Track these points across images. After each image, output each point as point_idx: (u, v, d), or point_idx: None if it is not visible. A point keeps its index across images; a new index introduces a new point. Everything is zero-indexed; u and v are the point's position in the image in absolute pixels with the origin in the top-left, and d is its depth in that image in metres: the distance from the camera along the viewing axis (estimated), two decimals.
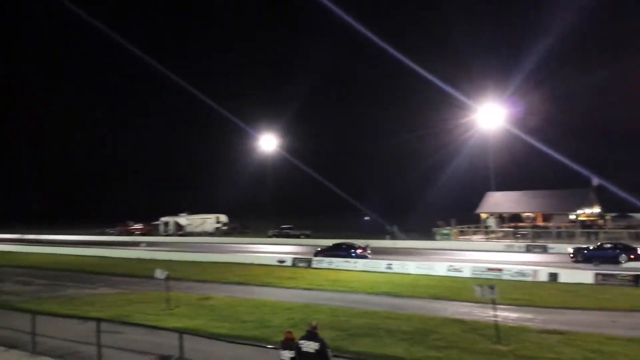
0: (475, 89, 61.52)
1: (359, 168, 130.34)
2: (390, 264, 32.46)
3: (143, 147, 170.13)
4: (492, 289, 16.66)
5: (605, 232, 45.26)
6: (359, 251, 37.59)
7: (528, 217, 53.23)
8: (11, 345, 16.39)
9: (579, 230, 45.88)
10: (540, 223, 51.58)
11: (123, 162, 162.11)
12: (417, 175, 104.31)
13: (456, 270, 30.03)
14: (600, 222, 50.47)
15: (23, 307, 21.94)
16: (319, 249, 40.04)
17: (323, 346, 10.32)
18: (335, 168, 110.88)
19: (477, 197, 55.60)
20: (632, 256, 31.82)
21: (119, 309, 22.44)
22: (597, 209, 52.73)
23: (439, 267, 30.85)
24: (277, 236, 61.58)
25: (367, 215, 72.27)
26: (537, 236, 46.45)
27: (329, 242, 51.62)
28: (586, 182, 51.91)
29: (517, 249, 42.15)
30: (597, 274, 26.56)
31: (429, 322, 18.65)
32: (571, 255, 34.27)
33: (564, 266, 30.13)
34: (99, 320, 15.05)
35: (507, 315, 19.40)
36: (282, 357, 10.62)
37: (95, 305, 23.74)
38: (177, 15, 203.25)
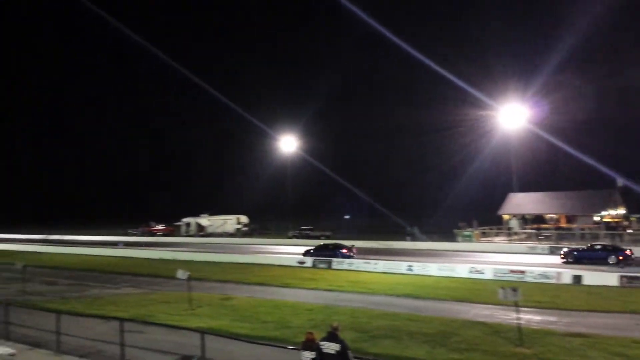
0: (497, 89, 60.94)
1: (379, 168, 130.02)
2: (411, 266, 32.27)
3: (165, 149, 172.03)
4: (515, 291, 16.47)
5: (630, 234, 44.44)
6: (344, 251, 39.21)
7: (551, 219, 52.51)
8: (36, 344, 16.67)
9: (603, 232, 45.11)
10: (563, 224, 50.84)
11: (146, 163, 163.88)
12: (438, 176, 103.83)
13: (478, 272, 29.74)
14: (625, 223, 49.58)
15: (48, 306, 22.29)
16: (309, 249, 41.47)
17: (344, 347, 10.30)
18: (355, 169, 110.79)
19: (499, 198, 55.04)
20: (620, 257, 32.47)
21: (141, 309, 22.67)
22: (621, 210, 51.81)
23: (460, 269, 30.60)
24: (297, 237, 61.67)
25: (347, 215, 74.49)
26: (560, 238, 45.81)
27: (349, 243, 51.85)
28: (611, 182, 51.11)
29: (540, 251, 41.64)
30: (622, 277, 26.09)
31: (450, 325, 18.50)
32: (562, 256, 34.89)
33: (588, 268, 29.68)
34: (122, 319, 15.23)
35: (530, 317, 19.15)
36: (303, 358, 10.62)
37: (118, 305, 24.02)
38: (198, 16, 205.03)
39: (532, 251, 41.86)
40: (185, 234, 73.99)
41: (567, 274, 27.39)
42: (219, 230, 72.98)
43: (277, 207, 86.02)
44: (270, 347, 14.12)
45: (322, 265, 35.74)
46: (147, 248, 53.59)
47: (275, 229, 73.75)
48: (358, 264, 34.52)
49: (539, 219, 53.19)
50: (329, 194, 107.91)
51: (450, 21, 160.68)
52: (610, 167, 51.22)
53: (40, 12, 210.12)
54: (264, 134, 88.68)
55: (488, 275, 29.10)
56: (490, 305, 21.53)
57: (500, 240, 49.45)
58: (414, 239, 52.70)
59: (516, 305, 16.71)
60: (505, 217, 53.07)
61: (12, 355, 15.14)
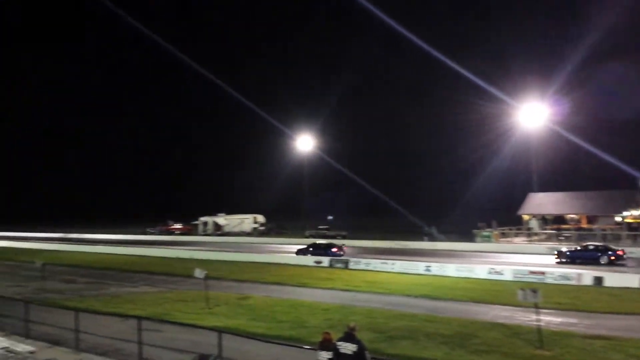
0: (517, 87, 60.44)
1: (396, 168, 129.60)
2: (429, 266, 32.03)
3: (184, 148, 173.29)
4: (535, 292, 16.22)
5: None
6: (334, 250, 41.05)
7: (572, 219, 51.83)
8: (55, 341, 16.80)
9: (625, 233, 44.42)
10: (584, 225, 50.16)
11: (165, 163, 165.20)
12: (456, 176, 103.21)
13: (497, 273, 29.41)
14: None
15: (67, 304, 22.49)
16: (301, 247, 43.33)
17: (361, 348, 10.20)
18: (372, 168, 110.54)
19: (519, 198, 54.48)
20: (612, 257, 33.35)
21: (159, 307, 22.77)
22: None
23: (479, 270, 30.29)
24: (313, 237, 61.59)
25: (330, 216, 76.48)
26: (581, 239, 45.12)
27: (366, 243, 51.84)
28: (633, 182, 50.23)
29: None
30: None
31: (469, 326, 18.29)
32: (556, 255, 35.67)
33: (609, 270, 29.21)
34: (140, 318, 15.29)
35: (550, 319, 18.88)
36: (320, 358, 10.54)
37: (136, 303, 24.16)
38: (216, 17, 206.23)
39: (552, 252, 41.06)
40: (202, 233, 74.47)
41: (587, 276, 26.97)
42: (236, 229, 73.30)
43: (294, 206, 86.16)
44: (286, 346, 14.07)
45: (338, 265, 35.65)
46: (165, 247, 53.94)
47: (292, 228, 73.83)
48: (375, 264, 34.35)
49: (559, 220, 52.55)
50: (346, 193, 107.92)
51: (468, 19, 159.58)
52: (633, 166, 50.36)
53: (74, 17, 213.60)
54: (281, 133, 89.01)
55: (507, 276, 28.77)
56: (509, 307, 21.25)
57: (519, 241, 48.94)
58: (432, 239, 52.38)
59: (536, 307, 16.46)
60: (525, 217, 52.53)
61: (31, 352, 15.30)
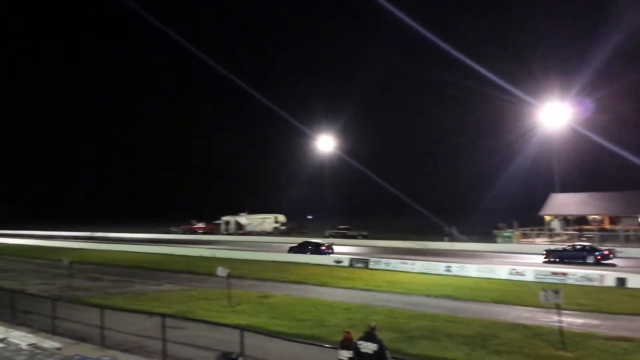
0: (539, 87, 59.73)
1: (416, 168, 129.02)
2: (450, 267, 31.96)
3: (205, 149, 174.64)
4: (557, 293, 16.17)
5: None
6: (323, 248, 43.69)
7: (594, 220, 51.14)
8: (81, 338, 17.20)
9: None
10: (607, 226, 49.46)
11: (187, 163, 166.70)
12: (477, 176, 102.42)
13: (518, 273, 29.26)
14: None
15: (93, 302, 22.98)
16: (293, 246, 45.65)
17: (381, 347, 10.32)
18: (392, 168, 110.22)
19: (540, 199, 53.92)
20: (598, 257, 34.21)
21: (182, 305, 23.14)
22: None
23: (500, 271, 30.15)
24: (334, 236, 61.76)
25: (310, 215, 77.96)
26: (604, 239, 44.56)
27: (386, 243, 51.82)
28: None
29: None
30: None
31: (490, 327, 18.28)
32: (544, 254, 36.55)
33: (632, 271, 28.87)
34: (164, 315, 15.59)
35: (572, 320, 18.77)
36: (340, 357, 10.67)
37: (160, 301, 24.57)
38: (237, 19, 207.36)
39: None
40: (224, 232, 75.14)
41: (610, 277, 26.70)
42: (258, 228, 73.82)
43: (315, 206, 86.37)
44: (307, 345, 14.25)
45: (359, 265, 35.77)
46: (188, 246, 54.51)
47: (313, 228, 74.03)
48: (395, 264, 34.38)
49: (581, 220, 51.88)
50: (366, 193, 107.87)
51: (489, 19, 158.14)
52: None
53: (101, 21, 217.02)
54: (302, 133, 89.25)
55: (529, 277, 28.61)
56: (531, 308, 21.15)
57: (541, 242, 48.43)
58: (452, 239, 52.12)
59: (558, 308, 16.40)
60: (547, 217, 51.97)
61: (58, 349, 15.69)
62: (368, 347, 10.31)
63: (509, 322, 19.05)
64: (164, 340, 14.75)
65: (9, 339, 16.49)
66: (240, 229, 74.76)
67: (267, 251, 45.89)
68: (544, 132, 55.01)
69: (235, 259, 41.23)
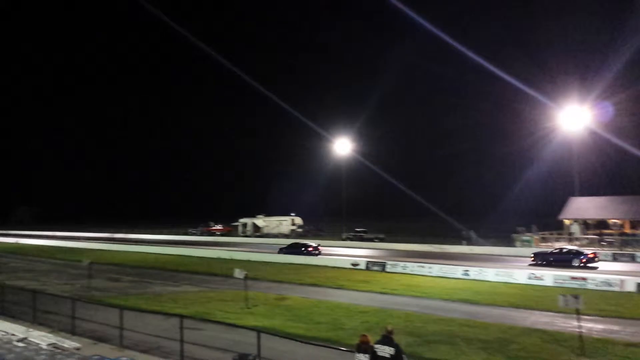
0: (558, 90, 59.07)
1: (434, 171, 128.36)
2: (467, 270, 31.73)
3: (222, 151, 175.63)
4: (577, 298, 15.98)
5: None
6: (310, 249, 45.49)
7: (615, 224, 50.42)
8: (100, 338, 17.41)
9: None
10: (627, 230, 48.74)
11: (206, 165, 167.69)
12: (495, 179, 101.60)
13: (537, 278, 28.95)
14: None
15: (112, 302, 23.22)
16: (282, 247, 48.14)
17: (398, 351, 10.30)
18: (410, 171, 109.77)
19: (559, 203, 53.32)
20: (584, 260, 34.86)
21: (200, 307, 23.28)
22: None
23: (519, 275, 29.86)
24: (350, 239, 61.71)
25: (293, 212, 79.78)
26: (624, 244, 43.97)
27: (403, 246, 51.66)
28: None
29: (602, 257, 40.05)
30: None
31: (508, 331, 18.12)
32: (532, 257, 37.17)
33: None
34: (181, 316, 15.70)
35: (591, 326, 18.52)
36: None
37: (178, 302, 24.75)
38: (254, 21, 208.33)
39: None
40: (242, 234, 75.46)
41: (631, 282, 26.26)
42: (275, 231, 74.04)
43: (332, 209, 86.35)
44: (324, 348, 14.25)
45: (375, 268, 35.67)
46: (206, 247, 54.80)
47: (329, 230, 74.04)
48: (412, 267, 34.21)
49: (601, 224, 51.15)
50: (383, 196, 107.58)
51: (508, 21, 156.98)
52: None
53: (125, 29, 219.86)
54: (319, 136, 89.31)
55: (548, 281, 28.30)
56: (550, 313, 20.95)
57: (560, 246, 47.88)
58: (470, 242, 51.74)
59: (577, 313, 16.21)
60: (566, 222, 51.36)
61: (77, 349, 15.89)
62: (385, 351, 10.30)
63: (527, 327, 18.86)
64: (182, 341, 14.85)
65: (30, 339, 16.74)
66: (257, 231, 75.06)
67: (284, 253, 45.91)
68: (563, 135, 54.42)
69: (252, 261, 41.40)
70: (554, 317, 20.30)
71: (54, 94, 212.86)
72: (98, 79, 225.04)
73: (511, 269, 32.20)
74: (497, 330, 18.25)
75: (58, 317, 19.67)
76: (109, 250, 57.14)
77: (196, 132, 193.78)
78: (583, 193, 53.90)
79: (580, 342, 15.58)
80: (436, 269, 33.15)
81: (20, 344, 16.18)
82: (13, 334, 17.35)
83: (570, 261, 34.96)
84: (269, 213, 79.51)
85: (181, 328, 14.98)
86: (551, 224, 51.89)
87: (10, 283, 30.28)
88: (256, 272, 31.88)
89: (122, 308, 17.95)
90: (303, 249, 45.82)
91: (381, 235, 61.17)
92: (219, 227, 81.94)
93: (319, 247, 46.42)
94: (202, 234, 78.54)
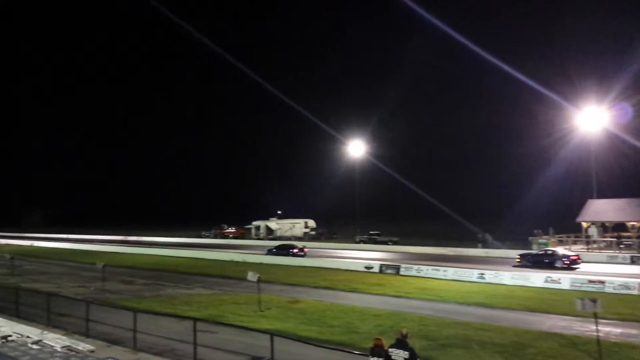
0: (576, 91, 58.37)
1: (449, 174, 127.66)
2: (483, 274, 31.41)
3: (235, 153, 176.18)
4: (594, 302, 15.68)
5: None
6: (295, 250, 47.60)
7: (633, 227, 49.70)
8: (114, 341, 17.43)
9: None
10: None
11: (219, 166, 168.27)
12: (511, 181, 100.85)
13: (554, 281, 28.58)
14: None
15: (125, 305, 23.29)
16: (271, 248, 50.16)
17: (413, 355, 10.16)
18: (424, 174, 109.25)
19: (577, 205, 52.65)
20: (566, 262, 35.80)
21: (213, 309, 23.27)
22: None
23: (535, 278, 29.49)
24: (364, 242, 61.51)
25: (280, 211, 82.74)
26: None
27: (418, 249, 51.41)
28: None
29: (621, 260, 39.57)
30: None
31: (524, 336, 17.86)
32: (518, 259, 38.23)
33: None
34: (195, 319, 15.69)
35: (609, 330, 18.23)
36: None
37: (191, 304, 24.74)
38: (268, 22, 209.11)
39: (612, 260, 39.83)
40: (255, 237, 75.64)
41: None
42: (288, 233, 74.07)
43: (345, 211, 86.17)
44: (337, 351, 14.15)
45: (389, 271, 35.45)
46: (219, 250, 54.94)
47: (343, 233, 73.90)
48: (427, 270, 33.95)
49: (620, 227, 50.44)
50: (397, 198, 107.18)
51: (524, 22, 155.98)
52: None
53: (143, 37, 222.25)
54: (332, 138, 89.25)
55: (565, 285, 27.92)
56: (567, 316, 20.62)
57: (578, 249, 47.31)
58: (486, 245, 51.28)
59: (595, 317, 15.93)
60: (584, 224, 50.72)
61: (91, 351, 15.92)
62: (399, 355, 10.16)
63: (544, 331, 18.59)
64: (195, 344, 14.82)
65: (44, 341, 16.80)
66: (270, 233, 75.18)
67: (297, 256, 45.82)
68: (581, 136, 53.80)
69: (265, 264, 41.41)
70: (571, 321, 19.99)
71: (54, 94, 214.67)
72: (98, 79, 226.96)
73: (528, 272, 31.84)
74: (513, 334, 18.00)
75: (72, 320, 19.76)
76: (122, 252, 57.48)
77: (203, 132, 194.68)
78: (601, 195, 53.16)
79: (598, 346, 15.29)
80: (451, 272, 32.87)
81: (35, 346, 16.27)
82: (28, 336, 17.44)
83: (554, 262, 35.94)
84: (282, 216, 79.64)
85: (194, 331, 14.96)
86: (568, 227, 51.26)
87: (25, 285, 30.63)
88: (269, 274, 31.84)
89: (136, 311, 18.00)
90: (290, 250, 47.82)
91: (395, 238, 60.87)
92: (232, 229, 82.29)
93: (304, 249, 48.62)
94: (215, 237, 78.84)
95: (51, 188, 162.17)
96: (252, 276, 23.99)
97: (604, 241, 47.96)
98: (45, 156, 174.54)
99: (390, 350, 10.33)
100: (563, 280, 28.30)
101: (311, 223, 77.00)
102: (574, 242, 49.03)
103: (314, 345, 14.77)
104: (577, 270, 34.82)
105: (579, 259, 36.86)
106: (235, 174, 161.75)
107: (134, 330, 16.71)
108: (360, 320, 20.58)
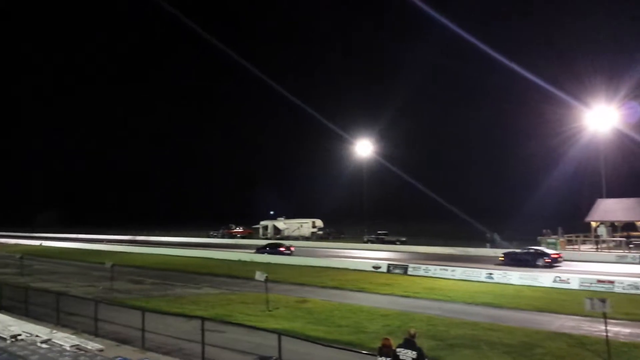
0: (584, 90, 58.02)
1: (457, 173, 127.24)
2: (491, 273, 31.30)
3: (245, 153, 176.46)
4: (603, 302, 15.59)
5: None
6: (281, 249, 49.04)
7: None
8: (123, 340, 17.52)
9: None
10: None
11: (228, 167, 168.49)
12: (519, 181, 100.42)
13: (563, 281, 28.42)
14: None
15: (134, 304, 23.37)
16: (259, 247, 51.68)
17: (421, 355, 10.15)
18: (432, 173, 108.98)
19: (585, 205, 52.34)
20: (547, 260, 36.90)
21: (221, 309, 23.33)
22: None
23: (544, 278, 29.35)
24: (372, 242, 61.42)
25: (272, 211, 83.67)
26: None
27: (426, 249, 51.28)
28: None
29: (630, 260, 39.26)
30: None
31: (533, 336, 17.79)
32: (501, 258, 38.89)
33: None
34: (203, 319, 15.73)
35: (618, 330, 18.11)
36: None
37: (199, 304, 24.82)
38: (276, 22, 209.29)
39: (621, 260, 39.54)
40: (262, 237, 75.71)
41: None
42: (295, 233, 74.12)
43: (353, 211, 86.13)
44: (345, 351, 14.15)
45: (397, 271, 35.39)
46: (227, 249, 55.12)
47: (351, 233, 73.87)
48: (435, 270, 33.87)
49: (629, 227, 50.10)
50: (405, 198, 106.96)
51: (532, 20, 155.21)
52: None
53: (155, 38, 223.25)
54: (340, 138, 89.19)
55: (574, 284, 27.75)
56: (575, 317, 20.51)
57: (587, 249, 47.06)
58: (495, 245, 51.09)
59: (604, 317, 15.83)
60: (593, 224, 50.43)
61: (100, 350, 16.01)
62: (407, 355, 10.15)
63: (552, 331, 18.51)
64: (203, 343, 14.86)
65: (54, 340, 16.91)
66: (278, 233, 75.25)
67: (304, 256, 45.87)
68: (590, 136, 53.49)
69: (273, 264, 41.45)
70: (580, 321, 19.88)
71: (54, 94, 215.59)
72: (98, 79, 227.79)
73: (536, 272, 31.70)
74: (521, 334, 17.93)
75: (81, 319, 19.88)
76: (130, 252, 57.74)
77: (205, 131, 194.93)
78: (610, 195, 52.82)
79: (607, 346, 15.21)
80: (459, 271, 32.78)
81: (45, 345, 16.38)
82: (37, 335, 17.56)
83: (536, 261, 36.85)
84: (289, 215, 79.73)
85: (202, 330, 15.01)
86: (577, 227, 50.96)
87: (35, 285, 30.82)
88: (277, 274, 31.88)
89: (144, 310, 18.07)
90: (280, 248, 49.46)
91: (403, 238, 60.74)
92: (239, 229, 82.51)
93: (291, 247, 50.47)
94: (223, 236, 79.07)
95: (56, 188, 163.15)
96: (259, 276, 24.03)
97: (613, 241, 47.70)
98: (45, 156, 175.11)
99: (398, 350, 10.32)
100: (572, 280, 28.14)
101: (319, 223, 76.99)
102: (583, 242, 48.77)
103: (322, 345, 14.77)
104: (559, 268, 35.59)
105: (560, 257, 37.90)
106: (238, 174, 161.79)
107: (143, 330, 16.79)
108: (368, 320, 20.57)
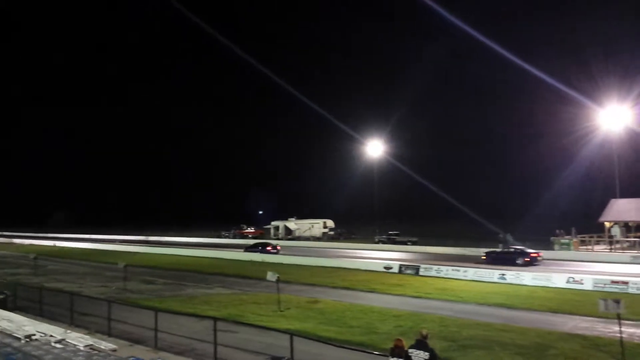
0: (597, 89, 57.54)
1: (469, 173, 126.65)
2: (504, 274, 31.13)
3: (256, 154, 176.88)
4: (618, 303, 15.45)
5: None
6: (268, 248, 50.82)
7: None
8: (136, 340, 17.62)
9: None
10: None
11: (238, 167, 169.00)
12: (531, 181, 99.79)
13: (576, 282, 28.20)
14: None
15: (147, 304, 23.51)
16: (248, 246, 53.18)
17: (433, 356, 10.12)
18: (443, 173, 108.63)
19: (599, 205, 51.88)
20: (526, 259, 38.12)
21: (232, 309, 23.41)
22: None
23: (557, 279, 29.13)
24: (383, 242, 61.30)
25: (261, 211, 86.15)
26: None
27: (437, 249, 51.12)
28: None
29: None
30: None
31: (546, 337, 17.68)
32: (483, 256, 40.06)
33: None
34: (215, 319, 15.79)
35: (633, 331, 17.97)
36: None
37: (211, 304, 24.92)
38: (285, 22, 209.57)
39: (635, 261, 39.13)
40: (274, 237, 75.80)
41: None
42: (306, 233, 74.18)
43: (364, 211, 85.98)
44: (357, 352, 14.13)
45: (408, 271, 35.30)
46: (239, 250, 55.26)
47: (362, 233, 73.80)
48: (446, 271, 33.74)
49: None
50: (416, 198, 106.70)
51: (544, 19, 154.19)
52: None
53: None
54: (351, 138, 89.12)
55: (587, 285, 27.54)
56: (589, 318, 20.35)
57: (600, 249, 46.66)
58: (507, 246, 50.78)
59: (618, 318, 15.70)
60: (607, 224, 49.97)
61: (114, 350, 16.10)
62: (419, 356, 10.13)
63: (566, 332, 18.39)
64: (216, 343, 14.92)
65: (67, 340, 17.02)
66: (289, 233, 75.37)
67: (315, 256, 45.90)
68: (603, 135, 53.01)
69: (284, 264, 41.50)
70: (594, 322, 19.74)
71: (54, 94, 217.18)
72: (98, 79, 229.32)
73: (549, 272, 31.48)
74: (534, 335, 17.83)
75: (95, 319, 20.02)
76: (143, 252, 58.04)
77: (214, 132, 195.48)
78: (623, 195, 52.32)
79: (621, 347, 15.07)
80: (471, 272, 32.63)
81: (59, 345, 16.49)
82: (51, 335, 17.67)
83: (515, 260, 37.94)
84: (300, 216, 79.82)
85: (215, 330, 15.07)
86: (591, 227, 50.53)
87: (49, 285, 31.09)
88: (288, 274, 31.90)
89: (157, 310, 18.16)
90: (267, 248, 51.19)
91: (414, 239, 60.56)
92: (251, 229, 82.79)
93: (277, 247, 52.42)
94: (234, 237, 79.38)
95: (59, 189, 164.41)
96: (271, 276, 24.07)
97: (627, 241, 47.23)
98: (45, 156, 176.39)
99: (410, 350, 10.30)
100: (585, 280, 27.91)
101: (330, 223, 76.97)
102: (597, 242, 48.37)
103: (334, 345, 14.78)
104: (537, 266, 36.74)
105: (539, 256, 39.04)
106: (252, 174, 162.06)
107: (155, 330, 16.88)
108: (380, 321, 20.54)
